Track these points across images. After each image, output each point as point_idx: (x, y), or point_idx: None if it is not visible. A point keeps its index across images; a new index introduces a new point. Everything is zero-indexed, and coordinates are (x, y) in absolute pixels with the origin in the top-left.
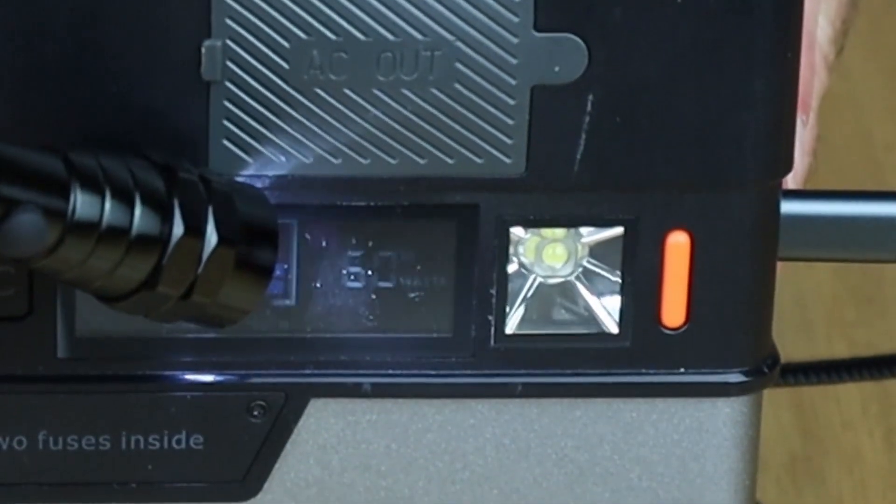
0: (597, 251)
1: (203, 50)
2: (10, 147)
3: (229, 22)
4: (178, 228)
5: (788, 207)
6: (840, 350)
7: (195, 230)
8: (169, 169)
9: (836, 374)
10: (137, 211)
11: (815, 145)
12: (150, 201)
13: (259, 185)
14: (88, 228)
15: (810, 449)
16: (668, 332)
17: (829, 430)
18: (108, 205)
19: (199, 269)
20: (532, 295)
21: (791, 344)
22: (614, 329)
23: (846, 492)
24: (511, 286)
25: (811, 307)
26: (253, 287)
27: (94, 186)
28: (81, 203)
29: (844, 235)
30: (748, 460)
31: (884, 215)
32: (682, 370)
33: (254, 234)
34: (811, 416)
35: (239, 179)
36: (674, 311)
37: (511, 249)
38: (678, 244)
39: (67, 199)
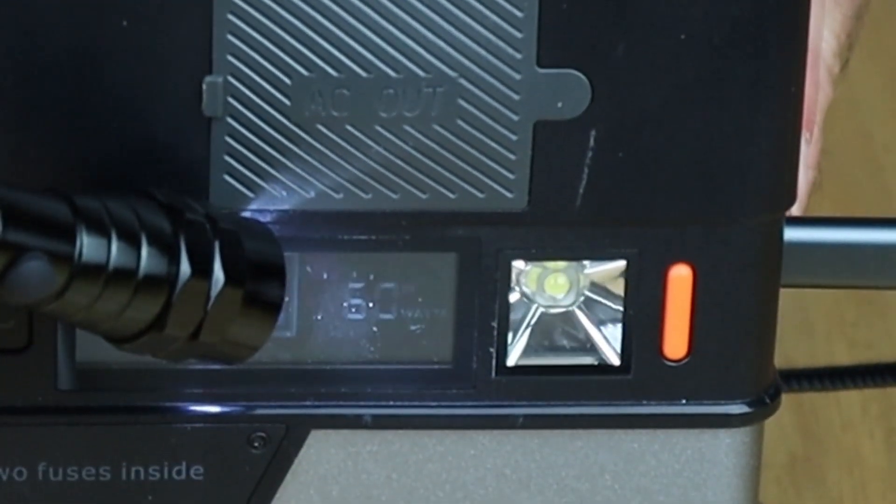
0: (599, 281)
1: (204, 86)
2: (14, 191)
3: (231, 58)
4: (185, 270)
5: (791, 234)
6: (840, 350)
7: (202, 271)
8: (174, 209)
9: (840, 381)
10: (144, 252)
11: (820, 158)
12: (157, 242)
13: (260, 218)
14: (95, 271)
15: (810, 449)
16: (670, 363)
17: (829, 430)
18: (114, 247)
19: (207, 310)
20: (533, 325)
21: (791, 344)
22: (616, 361)
23: (846, 492)
24: (512, 315)
25: (811, 307)
26: (261, 324)
27: (100, 229)
28: (88, 246)
29: (848, 262)
30: (749, 489)
31: (887, 242)
32: (683, 401)
33: (261, 272)
34: (811, 416)
35: (244, 215)
36: (676, 343)
37: (513, 279)
38: (680, 277)
39: (74, 242)
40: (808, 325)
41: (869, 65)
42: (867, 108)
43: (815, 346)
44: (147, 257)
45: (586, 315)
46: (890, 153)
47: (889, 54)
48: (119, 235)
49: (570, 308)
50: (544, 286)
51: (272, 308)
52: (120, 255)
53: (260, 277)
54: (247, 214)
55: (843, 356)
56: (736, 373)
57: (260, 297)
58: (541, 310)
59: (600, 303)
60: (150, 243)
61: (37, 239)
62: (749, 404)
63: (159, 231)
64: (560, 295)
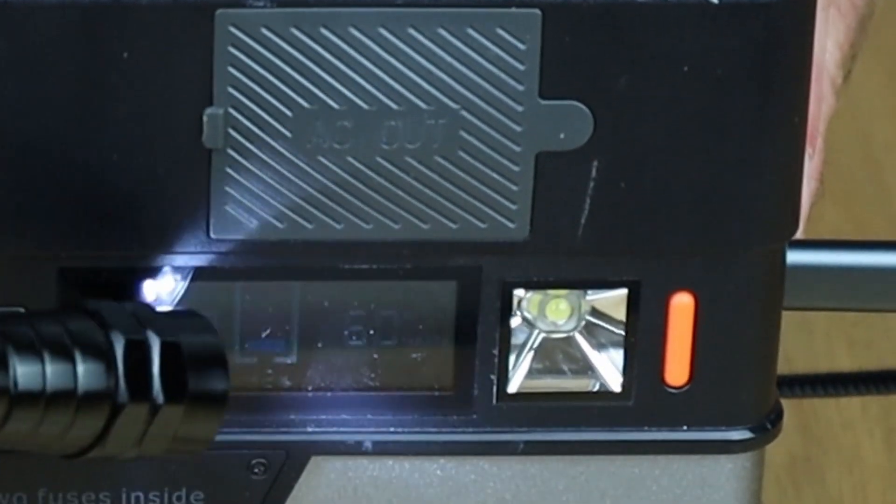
0: (600, 308)
1: (205, 118)
2: None
3: (231, 90)
4: (122, 394)
5: (793, 258)
6: (840, 349)
7: (141, 393)
8: (107, 324)
9: (842, 387)
10: (80, 370)
11: (823, 169)
12: (92, 358)
13: (260, 248)
14: (33, 398)
15: (810, 449)
16: (671, 390)
17: (829, 430)
18: (49, 370)
19: (150, 427)
20: (534, 350)
21: (791, 343)
22: (617, 387)
23: (846, 492)
24: (513, 340)
25: None
26: (208, 420)
27: (32, 355)
28: (22, 375)
29: (851, 285)
30: None
31: (890, 265)
32: (685, 427)
33: (203, 371)
34: (811, 416)
35: (183, 310)
36: (677, 370)
37: (514, 304)
38: (682, 305)
39: (7, 373)
40: (808, 325)
41: (869, 65)
42: (867, 108)
43: (814, 345)
44: (84, 374)
45: (587, 341)
46: (890, 152)
47: (889, 54)
48: (52, 357)
49: (572, 333)
50: (546, 311)
51: (218, 401)
52: (56, 378)
53: (202, 376)
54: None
55: (842, 356)
56: (737, 399)
57: (204, 397)
58: (542, 335)
59: (602, 329)
60: (85, 360)
61: None
62: (751, 430)
63: (94, 346)
64: (561, 320)
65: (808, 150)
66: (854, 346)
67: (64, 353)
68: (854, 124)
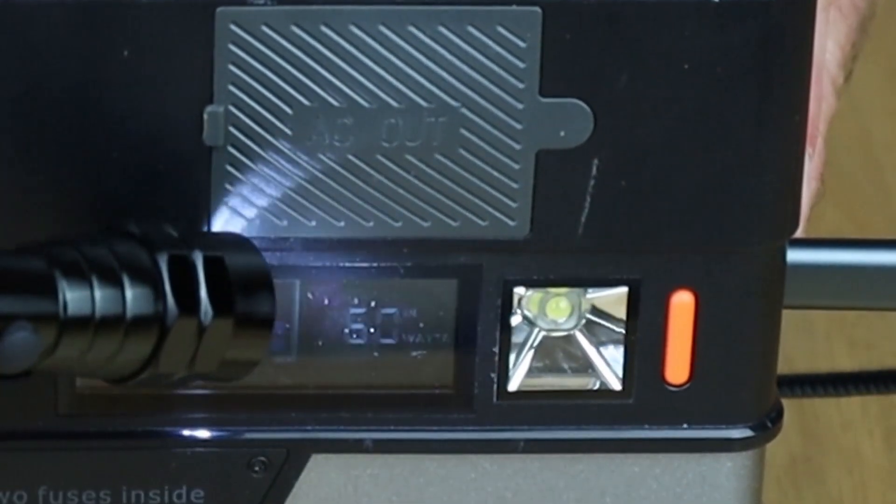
0: (601, 306)
1: (205, 116)
2: None
3: (232, 88)
4: (172, 309)
5: (794, 256)
6: (840, 350)
7: (190, 308)
8: (152, 243)
9: (843, 387)
10: (128, 295)
11: (823, 170)
12: (140, 282)
13: (260, 245)
14: (83, 324)
15: (810, 449)
16: (671, 388)
17: (829, 430)
18: (98, 295)
19: (200, 344)
20: (535, 349)
21: (791, 343)
22: (617, 386)
23: (846, 492)
24: (514, 338)
25: None
26: (256, 342)
27: (80, 280)
28: (72, 300)
29: (851, 284)
30: None
31: (891, 264)
32: (685, 425)
33: (249, 290)
34: (811, 416)
35: (225, 232)
36: (678, 368)
37: (514, 302)
38: (682, 303)
39: (56, 300)
40: (808, 325)
41: (869, 64)
42: (867, 108)
43: (815, 345)
44: (132, 299)
45: (588, 339)
46: (890, 152)
47: (889, 54)
48: (101, 282)
49: (572, 332)
50: (546, 310)
51: (265, 324)
52: (105, 303)
53: (249, 296)
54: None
55: (842, 356)
56: (738, 397)
57: (252, 317)
58: (542, 333)
59: (602, 327)
60: (133, 285)
61: (19, 305)
62: (751, 428)
63: (141, 270)
64: (562, 318)
65: (809, 151)
66: (854, 346)
67: (112, 277)
68: (854, 124)
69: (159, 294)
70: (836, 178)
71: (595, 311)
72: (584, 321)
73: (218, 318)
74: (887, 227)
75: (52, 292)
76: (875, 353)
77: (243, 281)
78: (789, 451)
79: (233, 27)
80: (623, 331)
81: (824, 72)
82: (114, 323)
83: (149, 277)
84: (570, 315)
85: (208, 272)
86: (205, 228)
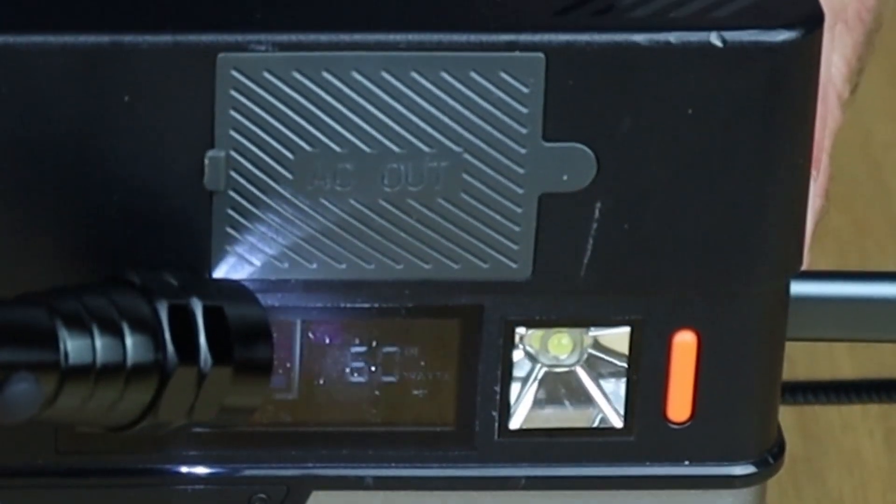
0: (603, 342)
1: (206, 160)
2: None
3: (233, 133)
4: (171, 358)
5: (797, 289)
6: (840, 351)
7: (189, 356)
8: (152, 292)
9: (845, 394)
10: (129, 343)
11: (828, 185)
12: (140, 331)
13: (260, 287)
14: (84, 372)
15: (810, 449)
16: (673, 426)
17: (829, 430)
18: (98, 344)
19: (199, 392)
20: (536, 385)
21: (792, 346)
22: (619, 423)
23: (846, 492)
24: (515, 373)
25: None
26: (254, 389)
27: (81, 329)
28: (73, 350)
29: (854, 316)
30: None
31: (893, 296)
32: (686, 462)
33: (248, 339)
34: (811, 416)
35: (224, 279)
36: (679, 406)
37: (516, 339)
38: (685, 343)
39: (58, 349)
40: None
41: (870, 65)
42: (867, 108)
43: (816, 347)
44: (132, 347)
45: (589, 375)
46: (890, 152)
47: (889, 54)
48: (101, 331)
49: (574, 368)
50: (548, 346)
51: (264, 371)
52: (105, 351)
53: (247, 344)
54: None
55: (842, 357)
56: (740, 434)
57: (250, 365)
58: (544, 369)
59: (604, 363)
60: (133, 333)
61: (21, 355)
62: (753, 464)
63: (140, 318)
64: (563, 355)
65: (813, 173)
66: (855, 348)
67: (112, 326)
68: (854, 124)
69: (159, 343)
70: (836, 178)
71: (597, 346)
72: (585, 357)
73: (217, 366)
74: (887, 227)
75: (53, 342)
76: (875, 352)
77: (242, 329)
78: (789, 452)
79: (234, 73)
80: (625, 367)
81: (830, 87)
82: (114, 371)
83: (148, 326)
84: (572, 351)
85: (207, 321)
86: (206, 272)
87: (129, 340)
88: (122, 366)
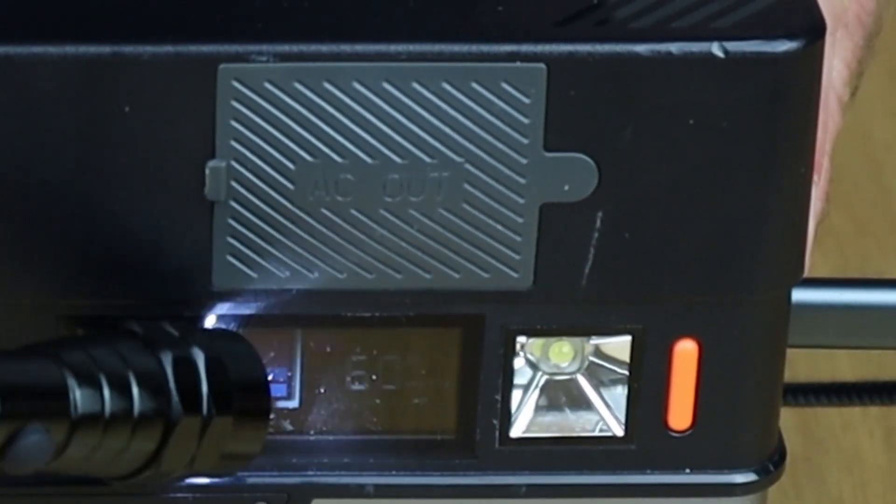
0: (604, 350)
1: (207, 171)
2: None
3: (234, 144)
4: (176, 408)
5: (797, 296)
6: (840, 352)
7: (193, 407)
8: (155, 343)
9: (846, 396)
10: (135, 393)
11: (829, 188)
12: (146, 382)
13: (262, 297)
14: (93, 422)
15: (810, 449)
16: (674, 434)
17: (829, 430)
18: (107, 394)
19: (202, 441)
20: (537, 393)
21: None
22: (620, 431)
23: (846, 492)
24: (516, 381)
25: None
26: (254, 435)
27: (89, 380)
28: (82, 400)
29: (855, 323)
30: None
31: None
32: (687, 471)
33: (247, 388)
34: (811, 416)
35: (219, 328)
36: (681, 415)
37: (517, 347)
38: (686, 351)
39: (68, 401)
40: None
41: (869, 65)
42: (867, 108)
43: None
44: (139, 397)
45: (590, 383)
46: (890, 152)
47: (889, 54)
48: (109, 382)
49: (575, 376)
50: (549, 354)
51: (262, 418)
52: (114, 402)
53: (246, 393)
54: (220, 326)
55: (843, 357)
56: (741, 442)
57: (249, 414)
58: (545, 377)
59: (605, 371)
60: (139, 384)
61: (32, 408)
62: (754, 472)
63: (146, 369)
64: (564, 363)
65: (815, 178)
66: (855, 351)
67: (119, 377)
68: (854, 124)
69: (164, 393)
70: (836, 177)
71: (598, 355)
72: (586, 364)
73: (219, 415)
74: (887, 227)
75: (63, 394)
76: (875, 354)
77: (241, 378)
78: (789, 451)
79: (235, 84)
80: (626, 375)
81: (830, 90)
82: (122, 421)
83: (154, 377)
84: (573, 359)
85: (209, 372)
86: (207, 283)
87: (135, 391)
88: (130, 415)
